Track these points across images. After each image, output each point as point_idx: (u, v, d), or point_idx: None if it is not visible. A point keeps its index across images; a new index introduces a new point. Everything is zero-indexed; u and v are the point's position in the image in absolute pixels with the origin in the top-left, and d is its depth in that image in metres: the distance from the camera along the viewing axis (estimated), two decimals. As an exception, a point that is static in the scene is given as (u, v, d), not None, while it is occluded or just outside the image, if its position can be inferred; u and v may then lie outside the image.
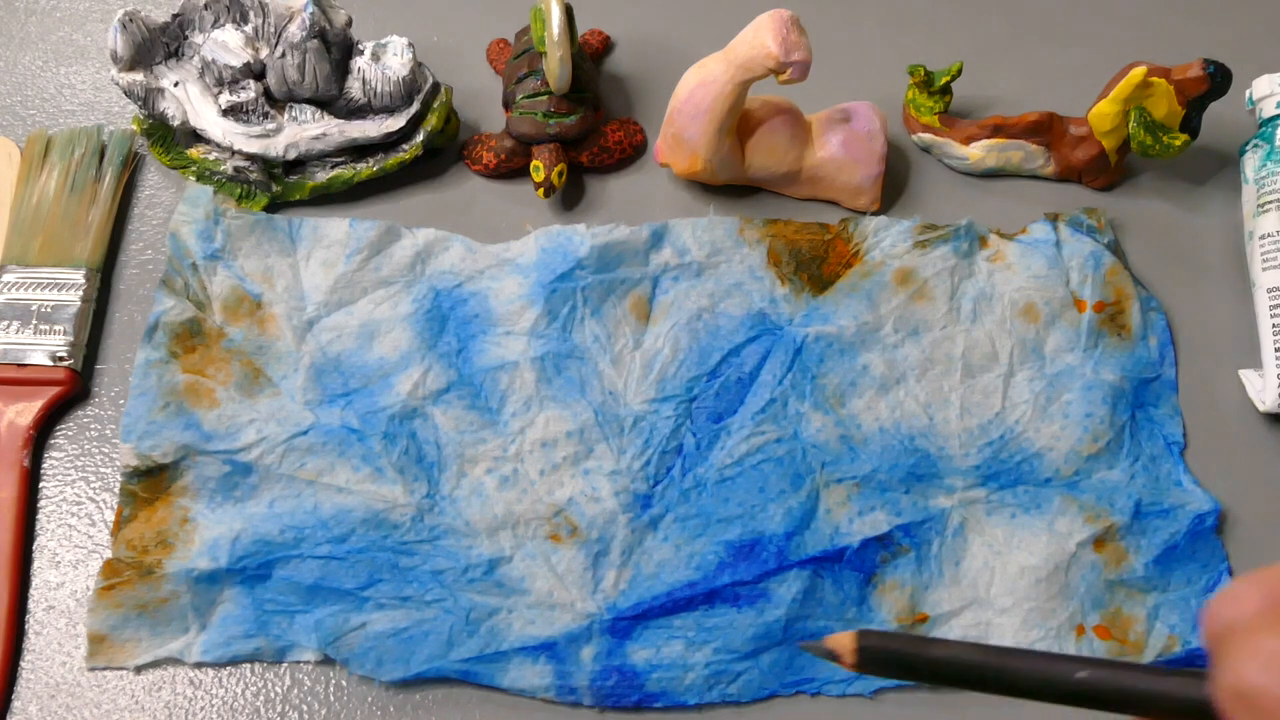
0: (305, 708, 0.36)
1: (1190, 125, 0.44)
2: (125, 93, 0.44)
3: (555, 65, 0.43)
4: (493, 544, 0.38)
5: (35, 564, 0.38)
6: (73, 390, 0.41)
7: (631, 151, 0.47)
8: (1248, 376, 0.43)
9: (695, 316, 0.41)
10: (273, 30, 0.45)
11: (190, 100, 0.44)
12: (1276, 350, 0.41)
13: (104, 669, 0.36)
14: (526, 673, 0.36)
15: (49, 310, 0.41)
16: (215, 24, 0.45)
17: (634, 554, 0.38)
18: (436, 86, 0.46)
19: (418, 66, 0.45)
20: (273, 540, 0.37)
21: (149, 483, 0.38)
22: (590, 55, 0.49)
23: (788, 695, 0.37)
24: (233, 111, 0.44)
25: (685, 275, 0.42)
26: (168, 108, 0.44)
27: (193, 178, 0.45)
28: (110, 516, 0.39)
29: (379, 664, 0.36)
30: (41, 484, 0.40)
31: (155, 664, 0.37)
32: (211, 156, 0.45)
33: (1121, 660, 0.20)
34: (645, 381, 0.40)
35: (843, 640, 0.22)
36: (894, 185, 0.47)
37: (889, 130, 0.46)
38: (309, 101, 0.45)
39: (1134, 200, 0.48)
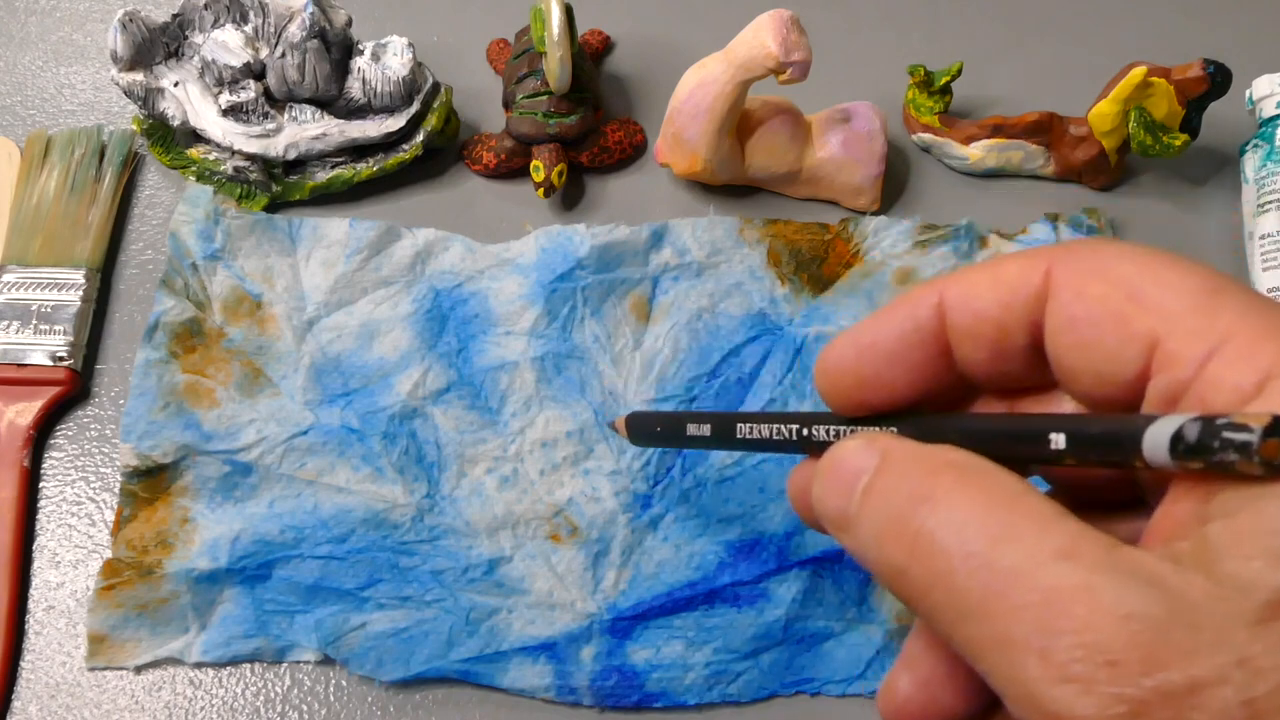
0: (305, 708, 0.36)
1: (1190, 125, 0.44)
2: (125, 93, 0.44)
3: (555, 65, 0.43)
4: (493, 544, 0.38)
5: (35, 564, 0.38)
6: (73, 390, 0.41)
7: (631, 151, 0.47)
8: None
9: (695, 316, 0.41)
10: (273, 30, 0.45)
11: (190, 100, 0.44)
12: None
13: (104, 669, 0.36)
14: (526, 673, 0.36)
15: (49, 310, 0.41)
16: (215, 24, 0.45)
17: (634, 554, 0.38)
18: (436, 86, 0.46)
19: (418, 66, 0.45)
20: (273, 540, 0.37)
21: (149, 483, 0.38)
22: (590, 55, 0.49)
23: (788, 695, 0.37)
24: (233, 111, 0.44)
25: (685, 275, 0.42)
26: (168, 108, 0.44)
27: (193, 178, 0.45)
28: (110, 516, 0.39)
29: (379, 664, 0.36)
30: (41, 484, 0.40)
31: (155, 664, 0.37)
32: (211, 156, 0.45)
33: (811, 413, 0.25)
34: (645, 381, 0.40)
35: (619, 422, 0.33)
36: (894, 185, 0.47)
37: (889, 130, 0.46)
38: (309, 101, 0.45)
39: (1134, 200, 0.48)
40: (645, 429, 0.32)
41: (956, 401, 0.23)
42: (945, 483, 0.18)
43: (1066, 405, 0.21)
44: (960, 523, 0.17)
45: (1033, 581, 0.16)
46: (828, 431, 0.24)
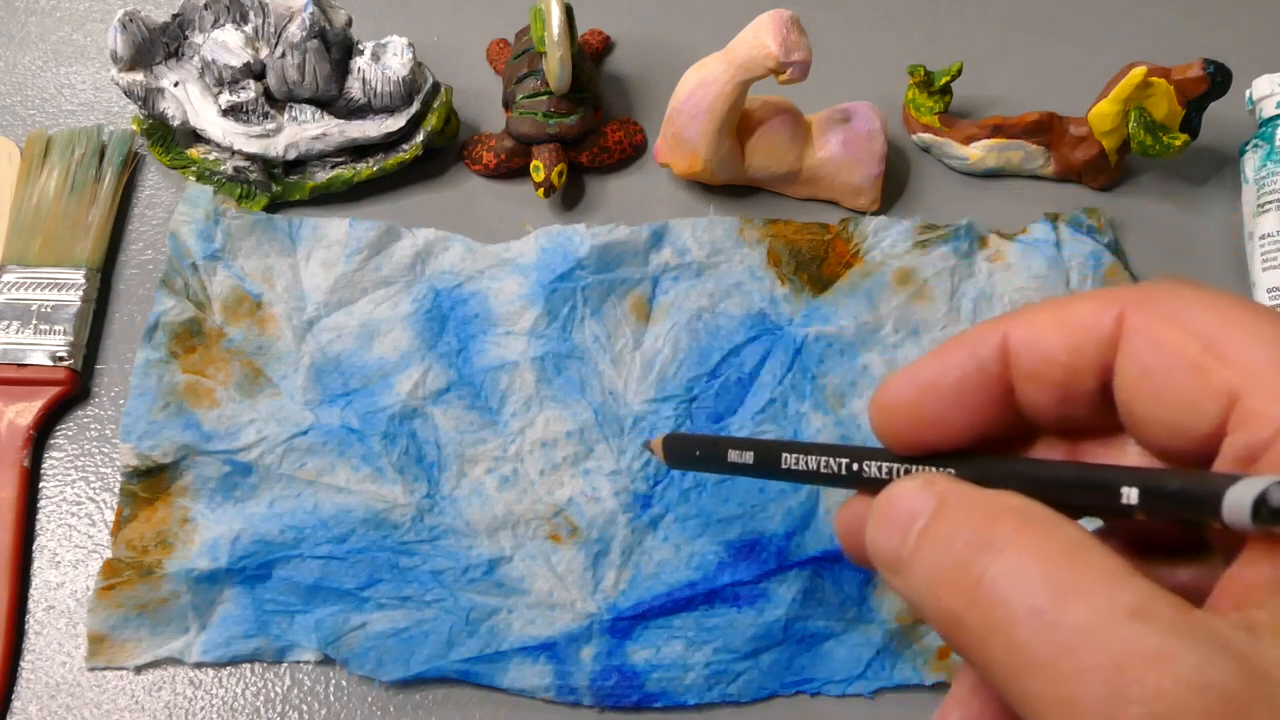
0: (305, 708, 0.36)
1: (1190, 125, 0.44)
2: (125, 93, 0.44)
3: (555, 65, 0.43)
4: (493, 544, 0.38)
5: (35, 564, 0.38)
6: (73, 390, 0.41)
7: (631, 151, 0.47)
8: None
9: (695, 316, 0.41)
10: (273, 30, 0.45)
11: (190, 100, 0.44)
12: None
13: (104, 669, 0.36)
14: (526, 673, 0.36)
15: (49, 310, 0.41)
16: (215, 24, 0.45)
17: (634, 554, 0.38)
18: (436, 86, 0.46)
19: (418, 66, 0.45)
20: (273, 540, 0.37)
21: (149, 483, 0.38)
22: (590, 55, 0.49)
23: (788, 695, 0.37)
24: (233, 111, 0.44)
25: (685, 275, 0.42)
26: (168, 108, 0.44)
27: (193, 178, 0.45)
28: (110, 516, 0.39)
29: (379, 664, 0.36)
30: (41, 484, 0.40)
31: (155, 664, 0.37)
32: (211, 156, 0.45)
33: (859, 447, 0.24)
34: (645, 381, 0.40)
35: (656, 443, 0.31)
36: (894, 185, 0.47)
37: (889, 130, 0.46)
38: (309, 101, 0.45)
39: (1134, 200, 0.48)
40: (683, 452, 0.30)
41: (1016, 442, 0.22)
42: (1006, 530, 0.17)
43: (1132, 452, 0.20)
44: (1023, 574, 0.16)
45: (1103, 643, 0.15)
46: (881, 469, 0.23)
